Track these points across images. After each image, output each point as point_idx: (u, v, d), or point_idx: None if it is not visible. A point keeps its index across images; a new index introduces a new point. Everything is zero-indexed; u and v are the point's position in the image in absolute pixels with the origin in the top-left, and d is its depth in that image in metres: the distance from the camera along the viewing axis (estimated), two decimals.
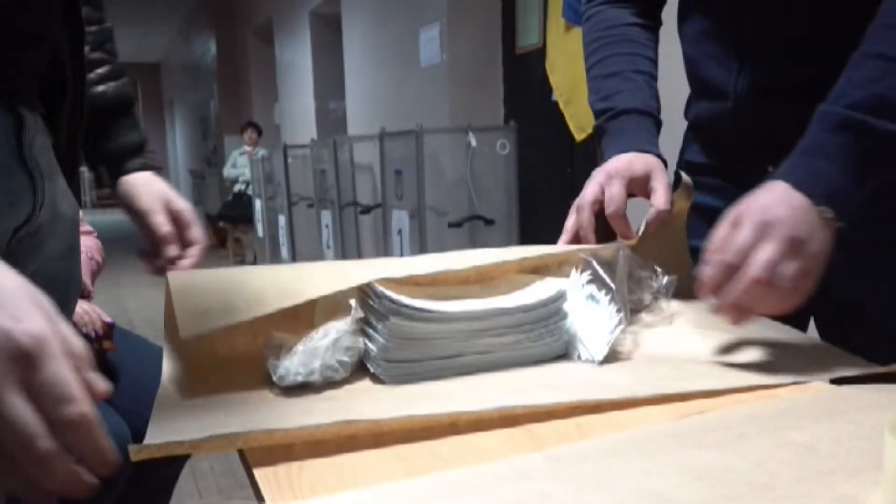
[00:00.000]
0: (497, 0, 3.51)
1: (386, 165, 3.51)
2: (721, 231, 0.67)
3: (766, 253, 0.63)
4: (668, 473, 0.47)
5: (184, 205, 0.91)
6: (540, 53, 3.00)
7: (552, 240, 0.88)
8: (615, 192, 0.84)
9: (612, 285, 0.73)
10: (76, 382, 0.39)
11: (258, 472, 0.50)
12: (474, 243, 3.30)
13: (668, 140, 1.03)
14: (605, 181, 0.86)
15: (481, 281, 0.76)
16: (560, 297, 0.71)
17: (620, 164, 0.86)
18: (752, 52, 0.83)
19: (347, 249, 4.23)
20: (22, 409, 0.37)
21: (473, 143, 3.18)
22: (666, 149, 0.90)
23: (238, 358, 0.69)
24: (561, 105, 2.78)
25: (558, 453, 0.51)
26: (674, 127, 1.01)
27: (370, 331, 0.67)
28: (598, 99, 0.93)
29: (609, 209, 0.84)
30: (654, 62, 0.95)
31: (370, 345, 0.66)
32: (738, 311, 0.65)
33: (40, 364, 0.38)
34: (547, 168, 3.12)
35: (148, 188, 0.92)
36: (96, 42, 0.94)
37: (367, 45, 4.69)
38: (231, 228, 7.01)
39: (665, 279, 0.80)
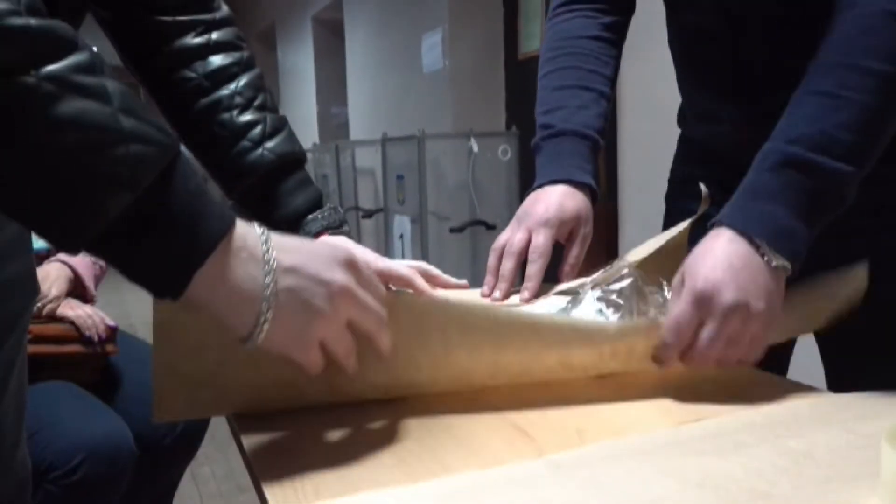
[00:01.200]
0: (499, 6, 3.52)
1: (388, 170, 3.52)
2: (672, 306, 0.66)
3: (707, 333, 0.62)
4: (668, 480, 0.47)
5: (381, 265, 0.79)
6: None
7: (554, 244, 0.89)
8: (541, 242, 0.85)
9: (621, 301, 0.73)
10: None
11: (262, 477, 0.50)
12: (475, 249, 3.31)
13: (667, 144, 1.03)
14: (533, 228, 0.86)
15: None
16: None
17: (551, 212, 0.86)
18: (747, 80, 0.83)
19: None
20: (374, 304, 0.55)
21: (475, 148, 3.18)
22: (663, 153, 0.91)
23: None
24: None
25: (558, 459, 0.51)
26: (672, 133, 1.02)
27: None
28: (542, 112, 0.92)
29: (534, 262, 0.84)
30: (610, 79, 0.92)
31: None
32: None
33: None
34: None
35: None
36: (245, 102, 0.83)
37: (370, 51, 4.70)
38: None
39: (669, 293, 0.80)
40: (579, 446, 0.54)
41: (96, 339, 1.50)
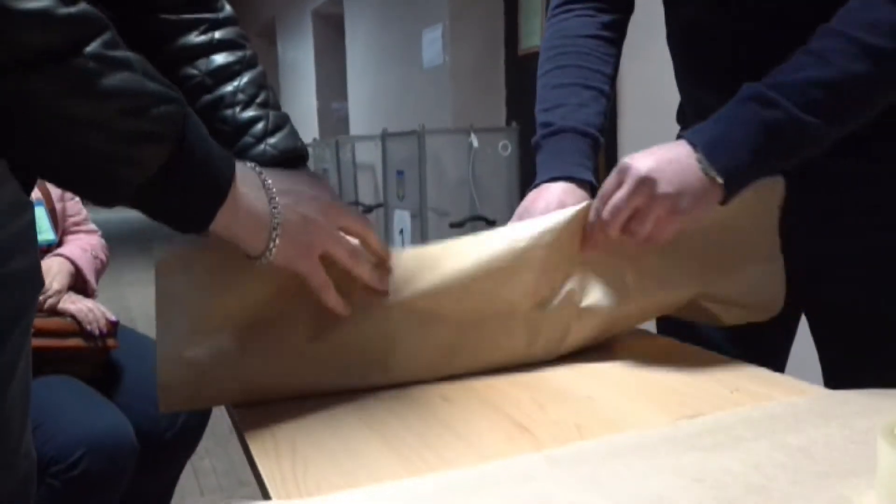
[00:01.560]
0: (500, 2, 3.52)
1: (388, 166, 3.52)
2: (609, 181, 0.73)
3: (615, 198, 0.71)
4: (667, 476, 0.48)
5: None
6: None
7: None
8: None
9: None
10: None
11: (264, 471, 0.51)
12: None
13: (667, 141, 1.04)
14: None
15: None
16: None
17: (552, 209, 0.85)
18: (745, 77, 0.84)
19: None
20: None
21: (475, 144, 3.19)
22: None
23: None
24: None
25: (557, 455, 0.52)
26: (672, 130, 1.02)
27: None
28: (542, 109, 0.93)
29: None
30: (609, 77, 0.94)
31: None
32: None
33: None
34: None
35: None
36: (248, 99, 0.84)
37: (370, 46, 4.70)
38: None
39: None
40: (578, 441, 0.55)
41: (97, 333, 1.50)
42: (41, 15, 0.48)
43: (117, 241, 1.75)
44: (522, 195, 0.92)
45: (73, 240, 1.65)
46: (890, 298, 0.80)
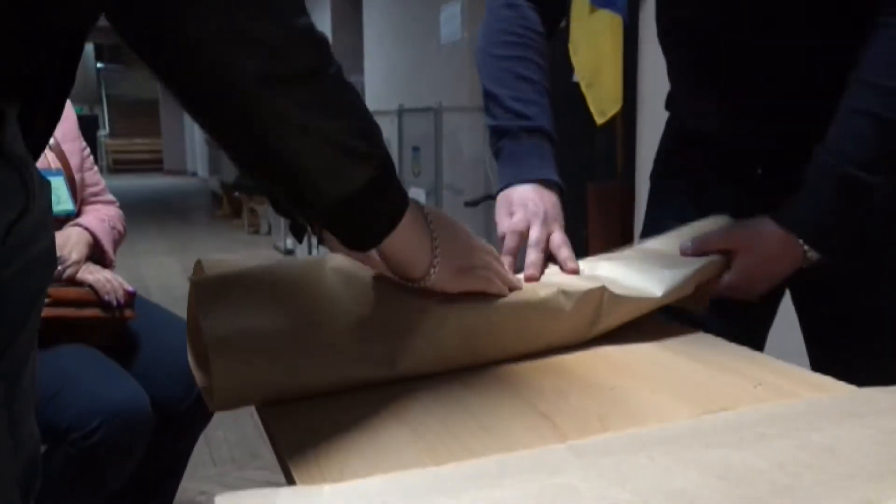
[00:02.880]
0: None
1: (404, 142, 3.51)
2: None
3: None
4: (691, 471, 0.48)
5: None
6: (562, 34, 2.97)
7: (569, 223, 0.90)
8: (561, 237, 0.87)
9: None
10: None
11: (288, 456, 0.51)
12: (490, 223, 3.30)
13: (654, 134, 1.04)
14: (551, 226, 0.87)
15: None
16: None
17: (558, 209, 0.89)
18: (733, 83, 0.85)
19: None
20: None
21: None
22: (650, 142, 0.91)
23: None
24: (582, 87, 2.76)
25: (581, 446, 0.51)
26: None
27: None
28: (515, 98, 0.92)
29: (566, 253, 0.85)
30: (543, 66, 0.96)
31: None
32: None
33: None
34: (566, 149, 3.09)
35: None
36: None
37: (388, 21, 4.66)
38: (246, 199, 7.03)
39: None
40: (601, 433, 0.55)
41: (115, 303, 1.51)
42: (309, 33, 0.54)
43: (131, 212, 1.76)
44: None
45: (91, 210, 1.66)
46: (874, 287, 0.84)
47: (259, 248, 5.88)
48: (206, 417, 1.61)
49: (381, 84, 4.90)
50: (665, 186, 1.02)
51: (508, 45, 0.95)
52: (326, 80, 0.55)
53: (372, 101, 4.98)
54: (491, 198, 3.19)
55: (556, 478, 0.47)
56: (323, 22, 6.18)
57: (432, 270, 0.65)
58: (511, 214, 0.88)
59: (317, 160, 0.56)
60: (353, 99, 0.57)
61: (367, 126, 0.58)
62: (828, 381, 0.66)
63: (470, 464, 0.49)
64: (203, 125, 0.56)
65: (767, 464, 0.49)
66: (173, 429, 1.51)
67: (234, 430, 2.41)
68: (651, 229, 0.96)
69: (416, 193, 3.42)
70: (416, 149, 3.43)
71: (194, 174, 13.92)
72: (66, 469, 1.32)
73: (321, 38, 0.55)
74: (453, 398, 0.62)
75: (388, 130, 3.88)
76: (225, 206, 8.09)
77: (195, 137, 13.05)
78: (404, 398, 0.62)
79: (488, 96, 0.94)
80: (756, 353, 0.73)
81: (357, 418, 0.58)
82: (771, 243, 0.78)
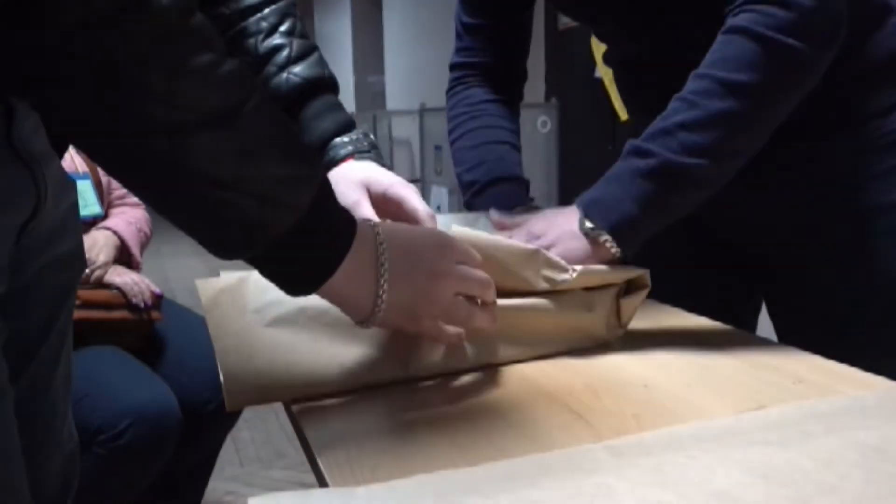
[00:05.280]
0: None
1: (426, 141, 3.51)
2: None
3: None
4: (733, 471, 0.46)
5: (388, 180, 0.76)
6: (582, 30, 2.95)
7: None
8: None
9: None
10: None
11: (320, 456, 0.50)
12: None
13: None
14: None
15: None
16: None
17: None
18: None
19: None
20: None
21: None
22: None
23: None
24: (606, 83, 2.74)
25: (618, 445, 0.50)
26: None
27: None
28: (465, 170, 0.99)
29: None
30: (514, 131, 1.03)
31: None
32: None
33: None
34: (589, 146, 3.08)
35: (344, 181, 0.76)
36: (270, 27, 0.81)
37: (408, 19, 4.66)
38: None
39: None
40: (637, 432, 0.53)
41: (142, 305, 1.53)
42: (212, 73, 0.48)
43: (155, 214, 1.76)
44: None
45: (118, 213, 1.68)
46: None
47: None
48: (232, 418, 1.62)
49: (402, 83, 4.90)
50: None
51: (454, 130, 1.05)
52: (238, 123, 0.49)
53: (393, 101, 4.99)
54: None
55: (594, 478, 0.46)
56: (343, 22, 6.20)
57: (377, 311, 0.58)
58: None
59: (231, 212, 0.50)
60: (274, 132, 0.51)
61: (293, 159, 0.52)
62: (871, 377, 0.63)
63: (505, 464, 0.48)
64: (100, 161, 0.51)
65: (813, 463, 0.47)
66: (200, 430, 1.52)
67: (259, 430, 2.42)
68: None
69: (439, 192, 3.41)
70: (437, 147, 3.43)
71: None
72: (95, 470, 1.33)
73: (230, 75, 0.49)
74: (482, 398, 0.61)
75: (410, 129, 3.88)
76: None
77: None
78: (433, 398, 0.61)
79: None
80: (792, 349, 0.71)
81: (386, 418, 0.57)
82: (558, 213, 0.76)
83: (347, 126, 0.82)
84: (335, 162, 0.79)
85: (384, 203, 0.74)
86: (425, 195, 3.58)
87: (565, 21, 3.24)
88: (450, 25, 1.15)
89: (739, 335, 0.76)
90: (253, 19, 0.81)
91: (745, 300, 1.00)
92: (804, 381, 0.63)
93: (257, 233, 0.51)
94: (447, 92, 1.09)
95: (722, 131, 0.71)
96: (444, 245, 0.61)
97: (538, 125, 3.18)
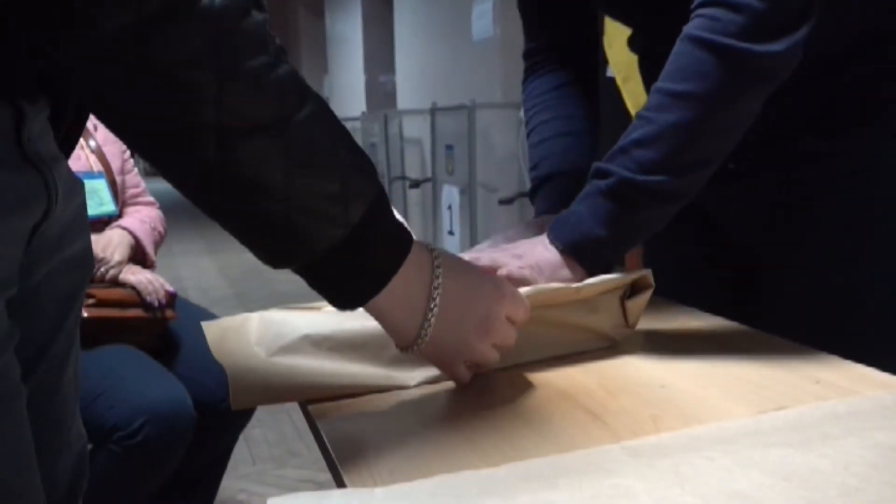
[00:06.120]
0: None
1: (437, 140, 3.51)
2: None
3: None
4: (753, 472, 0.46)
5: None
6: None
7: None
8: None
9: None
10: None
11: (338, 457, 0.51)
12: (524, 220, 3.27)
13: None
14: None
15: None
16: None
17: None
18: None
19: None
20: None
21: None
22: None
23: None
24: (619, 82, 2.73)
25: (636, 446, 0.50)
26: None
27: None
28: (530, 168, 0.97)
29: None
30: (586, 117, 0.97)
31: None
32: None
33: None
34: (601, 145, 3.06)
35: None
36: None
37: (419, 18, 4.66)
38: None
39: None
40: (655, 433, 0.53)
41: (157, 304, 1.53)
42: (267, 78, 0.47)
43: (169, 213, 1.78)
44: None
45: (132, 212, 1.68)
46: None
47: None
48: (245, 417, 1.62)
49: (413, 82, 4.90)
50: None
51: (527, 126, 1.00)
52: (289, 132, 0.48)
53: (404, 100, 4.99)
54: (525, 195, 3.18)
55: (613, 479, 0.46)
56: (354, 21, 6.21)
57: (419, 342, 0.57)
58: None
59: (278, 222, 0.49)
60: (328, 143, 0.50)
61: (346, 172, 0.51)
62: (890, 378, 0.63)
63: (523, 465, 0.48)
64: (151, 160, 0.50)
65: (833, 465, 0.47)
66: (214, 428, 1.53)
67: (272, 429, 2.43)
68: None
69: (450, 191, 3.41)
70: (449, 147, 3.42)
71: None
72: (110, 467, 1.34)
73: (284, 80, 0.48)
74: (499, 399, 0.61)
75: (421, 129, 3.88)
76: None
77: None
78: (449, 399, 0.61)
79: None
80: (810, 349, 0.70)
81: (403, 418, 0.57)
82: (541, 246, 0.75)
83: None
84: None
85: None
86: (436, 195, 3.58)
87: None
88: (460, 25, 1.15)
89: (757, 335, 0.76)
90: None
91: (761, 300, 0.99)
92: (822, 381, 0.62)
93: (304, 245, 0.50)
94: (523, 83, 1.05)
95: (675, 144, 0.69)
96: (500, 297, 0.61)
97: None
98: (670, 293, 0.88)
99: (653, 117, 0.70)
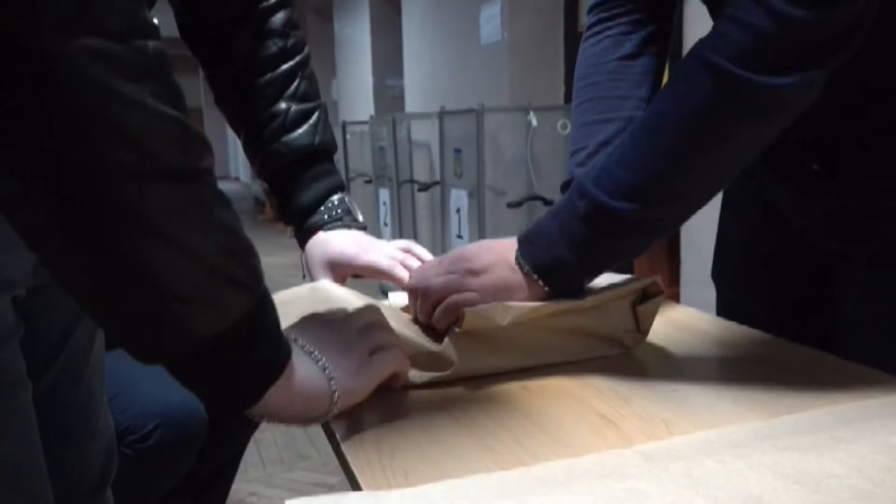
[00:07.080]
0: None
1: (445, 144, 3.51)
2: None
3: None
4: (765, 476, 0.46)
5: (353, 250, 0.81)
6: None
7: None
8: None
9: None
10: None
11: (352, 459, 0.51)
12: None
13: None
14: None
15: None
16: None
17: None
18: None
19: (404, 227, 4.26)
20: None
21: (534, 122, 3.14)
22: None
23: None
24: None
25: (649, 450, 0.50)
26: None
27: None
28: (570, 153, 0.87)
29: None
30: (642, 98, 0.85)
31: None
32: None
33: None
34: None
35: (311, 260, 0.84)
36: (275, 94, 0.83)
37: (427, 22, 4.67)
38: None
39: None
40: (667, 437, 0.53)
41: None
42: (180, 126, 0.43)
43: None
44: None
45: None
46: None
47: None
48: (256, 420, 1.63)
49: (421, 86, 4.91)
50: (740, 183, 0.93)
51: (575, 97, 0.90)
52: (197, 187, 0.44)
53: (413, 104, 5.00)
54: (534, 198, 3.18)
55: (626, 483, 0.46)
56: (362, 25, 6.22)
57: (335, 402, 0.54)
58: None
59: (180, 281, 0.44)
60: (230, 216, 0.47)
61: (245, 249, 0.47)
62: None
63: (537, 468, 0.48)
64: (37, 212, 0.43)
65: (845, 468, 0.47)
66: (225, 431, 1.53)
67: (282, 433, 2.44)
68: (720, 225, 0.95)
69: (458, 195, 3.42)
70: (457, 150, 3.43)
71: (237, 179, 14.14)
72: (122, 470, 1.34)
73: (195, 134, 0.44)
74: (512, 402, 0.61)
75: (429, 132, 3.88)
76: (268, 210, 8.20)
77: (238, 144, 13.24)
78: (462, 402, 0.62)
79: None
80: (824, 354, 0.70)
81: (417, 421, 0.58)
82: (501, 241, 0.72)
83: (324, 196, 0.85)
84: (311, 231, 0.84)
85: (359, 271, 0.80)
86: (445, 199, 3.58)
87: (585, 22, 3.23)
88: (468, 29, 1.13)
89: (771, 341, 0.76)
90: (262, 81, 0.84)
91: (823, 308, 0.88)
92: (835, 386, 0.62)
93: (204, 315, 0.46)
94: (582, 41, 0.92)
95: (655, 169, 0.63)
96: (346, 317, 0.62)
97: (558, 127, 3.17)
98: (736, 288, 0.85)
99: (639, 136, 0.65)
